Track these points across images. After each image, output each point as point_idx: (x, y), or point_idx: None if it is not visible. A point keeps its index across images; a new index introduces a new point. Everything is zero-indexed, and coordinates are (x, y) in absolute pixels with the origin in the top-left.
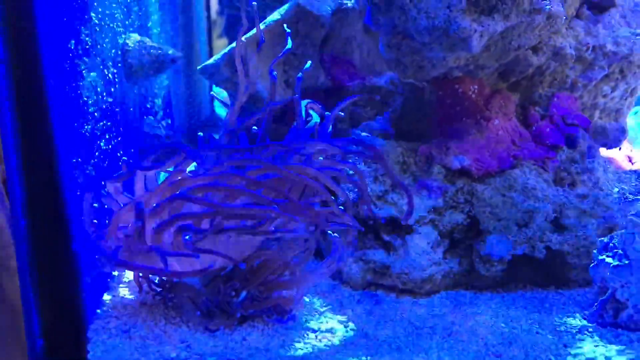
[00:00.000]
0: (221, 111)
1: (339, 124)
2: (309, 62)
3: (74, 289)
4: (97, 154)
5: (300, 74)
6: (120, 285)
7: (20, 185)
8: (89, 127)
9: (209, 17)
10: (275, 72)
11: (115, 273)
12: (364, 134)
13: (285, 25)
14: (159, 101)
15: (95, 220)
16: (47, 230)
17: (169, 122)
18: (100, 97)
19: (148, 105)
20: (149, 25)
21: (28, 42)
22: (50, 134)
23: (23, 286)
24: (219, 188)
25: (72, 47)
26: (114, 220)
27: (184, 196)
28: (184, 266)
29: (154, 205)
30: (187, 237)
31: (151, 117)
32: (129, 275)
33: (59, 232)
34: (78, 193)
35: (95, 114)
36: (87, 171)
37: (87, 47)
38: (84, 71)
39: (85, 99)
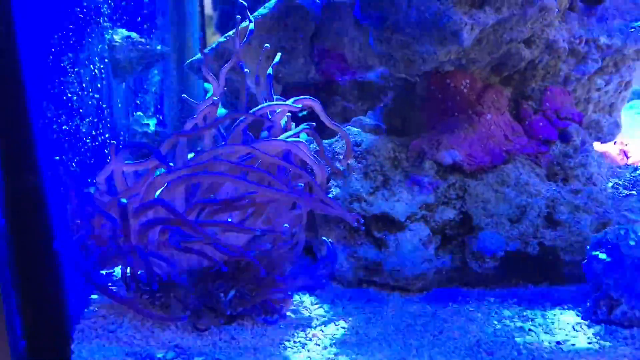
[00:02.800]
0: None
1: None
2: (279, 55)
3: (56, 289)
4: (82, 150)
5: (270, 70)
6: (109, 284)
7: None
8: (74, 123)
9: (202, 12)
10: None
11: (103, 271)
12: (354, 129)
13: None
14: (149, 97)
15: (78, 221)
16: (27, 229)
17: (160, 117)
18: (85, 93)
19: (138, 102)
20: (138, 20)
21: (3, 36)
22: (30, 131)
23: (3, 286)
24: (202, 177)
25: (55, 42)
26: (97, 219)
27: (164, 204)
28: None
29: (137, 205)
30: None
31: (140, 113)
32: (117, 273)
33: (40, 231)
34: (62, 190)
35: (81, 110)
36: (72, 168)
37: (72, 42)
38: (68, 66)
39: (70, 94)
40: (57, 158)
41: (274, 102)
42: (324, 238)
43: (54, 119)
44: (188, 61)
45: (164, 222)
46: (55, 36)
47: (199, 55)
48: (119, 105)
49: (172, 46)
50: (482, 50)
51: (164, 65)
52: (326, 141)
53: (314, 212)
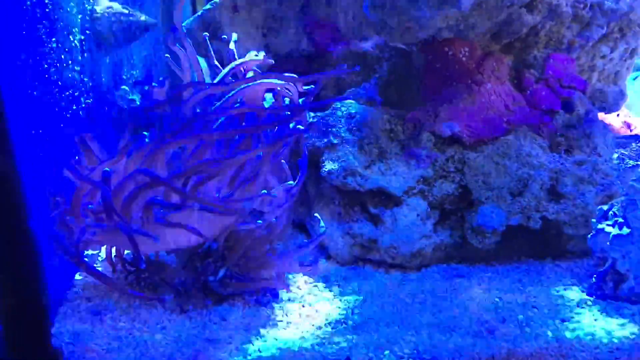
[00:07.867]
0: None
1: (323, 92)
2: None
3: (34, 271)
4: (61, 125)
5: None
6: (94, 265)
7: None
8: (51, 97)
9: None
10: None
11: (89, 252)
12: (349, 101)
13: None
14: (136, 72)
15: (58, 198)
16: (1, 207)
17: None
18: (64, 65)
19: (124, 77)
20: None
21: None
22: (0, 104)
23: None
24: (190, 138)
25: (29, 8)
26: (76, 196)
27: (147, 172)
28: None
29: (119, 181)
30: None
31: (125, 88)
32: (102, 253)
33: (15, 210)
34: (38, 167)
35: (59, 83)
36: (51, 143)
37: (47, 10)
38: (43, 36)
39: (46, 66)
40: (33, 132)
41: (236, 62)
42: (316, 214)
43: (29, 90)
44: None
45: (146, 187)
46: (28, 2)
47: (188, 21)
48: (103, 79)
49: (161, 20)
50: (481, 15)
51: (152, 38)
52: (320, 114)
53: (307, 189)
